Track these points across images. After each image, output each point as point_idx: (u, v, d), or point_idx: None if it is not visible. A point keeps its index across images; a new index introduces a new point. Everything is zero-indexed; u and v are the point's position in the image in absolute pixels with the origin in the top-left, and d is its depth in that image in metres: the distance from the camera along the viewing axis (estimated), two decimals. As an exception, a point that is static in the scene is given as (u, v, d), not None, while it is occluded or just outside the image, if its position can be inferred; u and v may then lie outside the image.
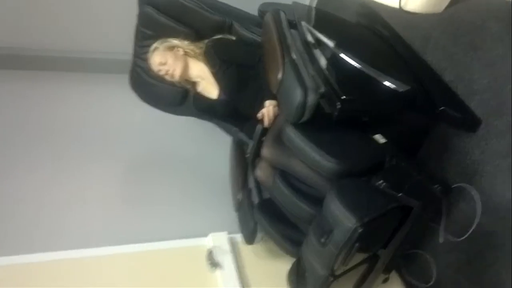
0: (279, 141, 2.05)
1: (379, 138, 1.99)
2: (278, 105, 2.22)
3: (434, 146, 2.33)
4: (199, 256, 2.30)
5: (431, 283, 2.39)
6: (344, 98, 1.84)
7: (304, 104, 1.80)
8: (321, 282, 1.80)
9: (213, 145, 3.02)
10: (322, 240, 1.72)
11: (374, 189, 1.77)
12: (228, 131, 2.65)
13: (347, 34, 2.42)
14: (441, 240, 2.31)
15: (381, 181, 1.77)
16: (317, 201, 1.92)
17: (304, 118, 1.87)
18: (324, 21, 2.48)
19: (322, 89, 1.90)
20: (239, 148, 2.64)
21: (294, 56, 1.98)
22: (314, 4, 3.36)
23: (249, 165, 2.50)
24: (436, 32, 2.42)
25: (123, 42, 2.66)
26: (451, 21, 2.33)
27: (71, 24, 3.12)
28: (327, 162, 1.81)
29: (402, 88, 2.01)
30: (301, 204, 1.93)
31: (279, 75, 1.94)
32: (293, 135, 1.89)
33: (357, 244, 1.63)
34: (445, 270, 2.34)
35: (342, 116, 1.88)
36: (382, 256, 1.94)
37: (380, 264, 1.96)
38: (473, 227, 2.11)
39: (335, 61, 2.06)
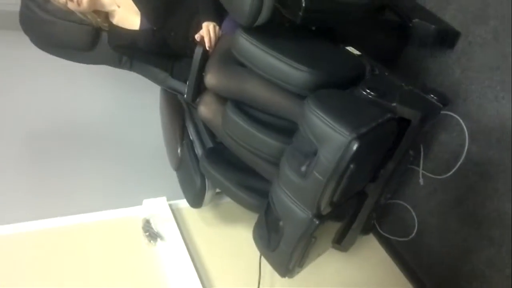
0: (227, 63, 1.59)
1: (353, 50, 1.59)
2: (220, 26, 1.76)
3: (406, 72, 1.99)
4: (134, 228, 1.77)
5: (413, 235, 2.04)
6: (310, -5, 1.41)
7: (261, -6, 1.34)
8: (304, 229, 1.35)
9: (137, 99, 2.47)
10: (303, 168, 1.28)
11: (361, 99, 1.35)
12: (154, 79, 2.12)
13: None
14: (421, 181, 1.98)
15: (368, 91, 1.36)
16: (285, 131, 1.48)
17: (262, 19, 1.42)
18: None
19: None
20: (171, 97, 2.13)
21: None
22: None
23: (188, 111, 2.01)
24: None
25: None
26: None
27: None
28: (297, 71, 1.37)
29: (373, -9, 1.63)
30: (265, 137, 1.48)
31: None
32: (249, 43, 1.44)
33: (351, 166, 1.20)
34: (428, 217, 2.00)
35: (307, 19, 1.46)
36: (371, 191, 1.53)
37: (369, 202, 1.55)
38: (461, 159, 1.79)
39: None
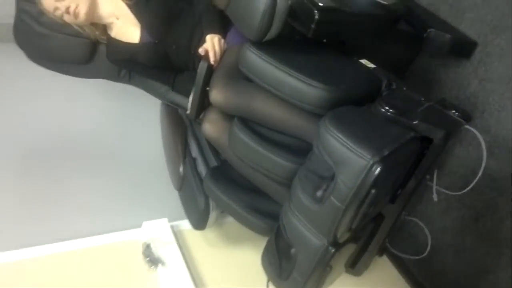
0: (234, 78, 1.50)
1: (367, 63, 1.50)
2: (224, 39, 1.66)
3: (417, 84, 1.91)
4: (133, 253, 1.67)
5: (425, 253, 1.94)
6: (323, 7, 1.33)
7: (272, 6, 1.26)
8: (319, 258, 1.25)
9: (136, 114, 2.36)
10: (319, 193, 1.19)
11: (380, 117, 1.26)
12: (154, 93, 2.02)
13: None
14: (435, 197, 1.88)
15: (387, 108, 1.27)
16: (297, 151, 1.38)
17: (272, 33, 1.33)
18: None
19: (289, 1, 1.37)
20: (172, 112, 2.04)
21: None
22: None
23: (190, 126, 1.91)
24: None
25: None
26: None
27: None
28: (310, 88, 1.28)
29: (387, 1, 1.55)
30: (275, 157, 1.38)
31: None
32: (258, 58, 1.35)
33: (373, 191, 1.11)
34: (442, 235, 1.90)
35: (320, 32, 1.37)
36: (388, 213, 1.44)
37: (386, 224, 1.46)
38: (478, 175, 1.69)
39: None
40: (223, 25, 1.67)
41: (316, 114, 1.31)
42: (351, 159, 1.11)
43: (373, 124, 1.22)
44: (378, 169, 1.08)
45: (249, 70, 1.38)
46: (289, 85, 1.31)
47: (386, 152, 1.10)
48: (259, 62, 1.35)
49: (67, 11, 1.71)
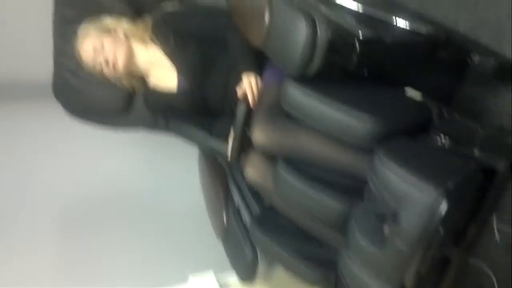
0: (276, 117, 1.44)
1: (412, 92, 1.43)
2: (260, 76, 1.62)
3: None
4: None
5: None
6: (364, 38, 1.28)
7: (313, 38, 1.21)
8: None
9: (174, 164, 2.32)
10: (380, 235, 1.08)
11: (437, 148, 1.17)
12: (192, 139, 1.99)
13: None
14: (498, 238, 1.72)
15: (443, 137, 1.18)
16: (349, 191, 1.29)
17: (313, 67, 1.27)
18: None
19: (329, 34, 1.33)
20: (211, 159, 1.98)
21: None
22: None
23: (230, 174, 1.85)
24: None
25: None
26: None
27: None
28: (360, 122, 1.21)
29: (425, 29, 1.49)
30: (327, 199, 1.29)
31: (266, 18, 1.35)
32: (300, 93, 1.30)
33: (441, 230, 1.00)
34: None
35: (361, 64, 1.31)
36: (455, 257, 1.31)
37: (453, 270, 1.32)
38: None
39: (333, 8, 1.51)
40: (258, 62, 1.64)
41: (366, 149, 1.23)
42: (414, 195, 1.01)
43: (431, 156, 1.13)
44: (445, 204, 0.98)
45: (292, 107, 1.32)
46: (335, 120, 1.24)
47: (451, 185, 1.00)
48: (302, 98, 1.29)
49: (106, 63, 1.71)
